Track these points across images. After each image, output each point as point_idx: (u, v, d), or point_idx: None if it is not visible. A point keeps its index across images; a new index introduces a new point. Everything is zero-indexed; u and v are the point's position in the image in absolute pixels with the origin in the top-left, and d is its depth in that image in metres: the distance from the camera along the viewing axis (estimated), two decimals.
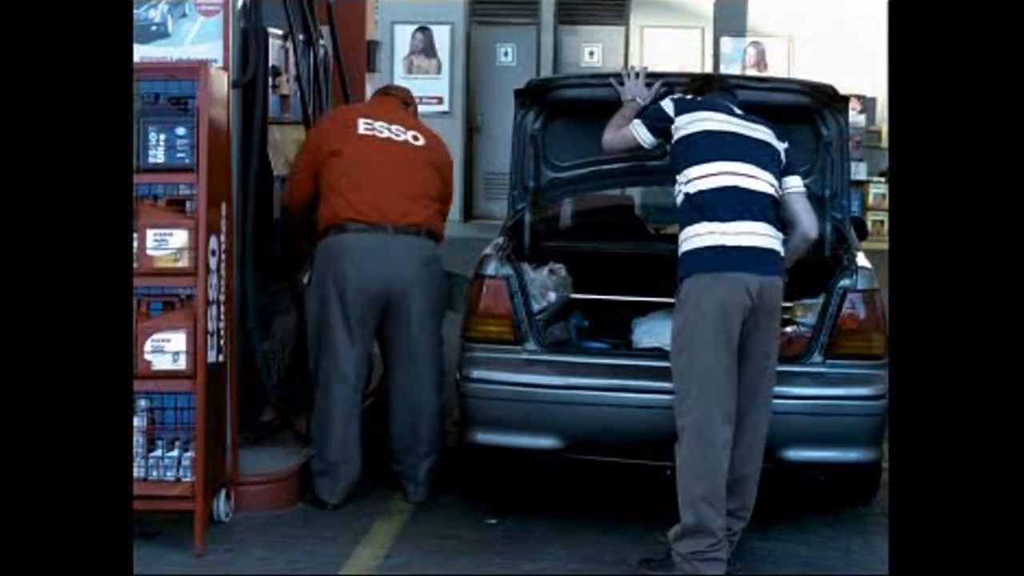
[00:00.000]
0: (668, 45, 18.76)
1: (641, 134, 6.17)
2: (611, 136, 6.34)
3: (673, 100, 6.14)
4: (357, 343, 6.65)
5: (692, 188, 5.81)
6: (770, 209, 5.86)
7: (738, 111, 6.07)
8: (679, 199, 5.89)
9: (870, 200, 19.87)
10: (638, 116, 6.27)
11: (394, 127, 6.78)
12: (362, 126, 6.72)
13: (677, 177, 5.91)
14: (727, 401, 5.68)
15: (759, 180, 5.85)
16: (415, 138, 6.82)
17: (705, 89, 6.30)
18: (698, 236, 5.74)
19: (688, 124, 5.96)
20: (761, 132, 6.01)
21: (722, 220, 5.73)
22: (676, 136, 5.98)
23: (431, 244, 6.76)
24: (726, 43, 19.36)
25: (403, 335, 6.71)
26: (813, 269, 6.69)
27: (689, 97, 6.19)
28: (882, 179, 20.23)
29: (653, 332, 6.82)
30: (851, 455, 6.29)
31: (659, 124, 6.11)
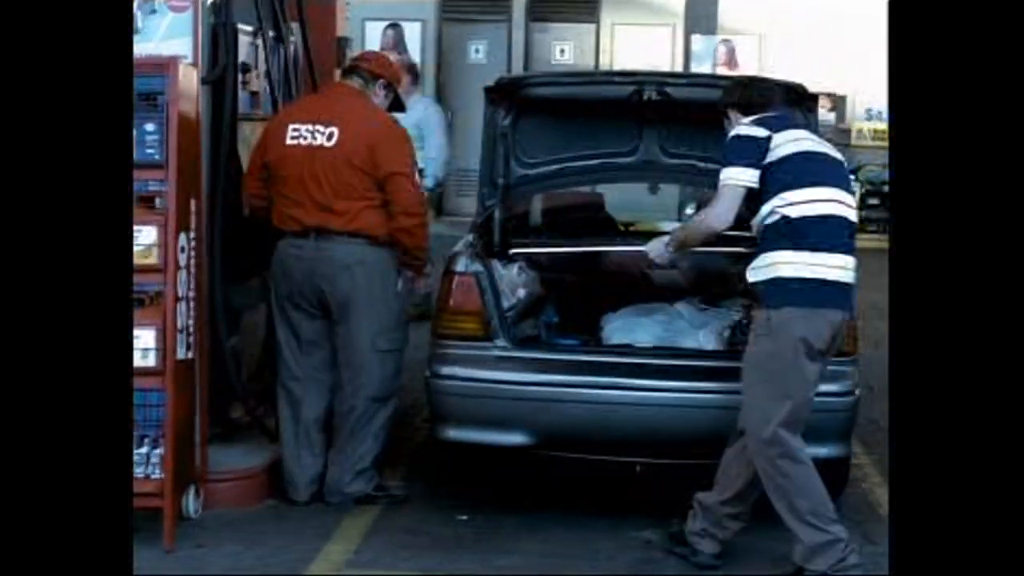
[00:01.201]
0: (639, 42, 18.79)
1: (746, 177, 5.72)
2: (713, 213, 5.83)
3: (756, 121, 5.84)
4: (307, 351, 6.72)
5: (794, 212, 5.62)
6: (854, 239, 5.82)
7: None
8: (772, 219, 5.67)
9: None
10: (729, 163, 5.78)
11: (317, 128, 6.55)
12: (289, 135, 6.58)
13: (771, 197, 5.67)
14: (803, 420, 5.72)
15: (851, 209, 5.79)
16: (330, 137, 6.52)
17: (768, 103, 6.06)
18: (794, 264, 5.61)
19: (786, 143, 5.75)
20: (835, 151, 5.97)
21: (822, 251, 5.63)
22: (774, 155, 5.72)
23: (356, 248, 6.53)
24: (697, 41, 19.41)
25: (338, 341, 6.68)
26: None
27: (770, 115, 5.91)
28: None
29: (623, 329, 6.85)
30: (820, 451, 6.28)
31: (760, 152, 5.73)
